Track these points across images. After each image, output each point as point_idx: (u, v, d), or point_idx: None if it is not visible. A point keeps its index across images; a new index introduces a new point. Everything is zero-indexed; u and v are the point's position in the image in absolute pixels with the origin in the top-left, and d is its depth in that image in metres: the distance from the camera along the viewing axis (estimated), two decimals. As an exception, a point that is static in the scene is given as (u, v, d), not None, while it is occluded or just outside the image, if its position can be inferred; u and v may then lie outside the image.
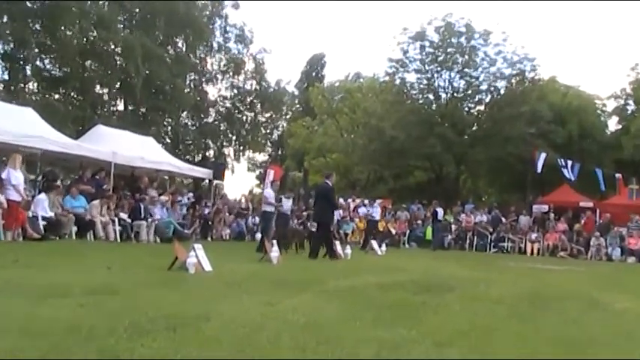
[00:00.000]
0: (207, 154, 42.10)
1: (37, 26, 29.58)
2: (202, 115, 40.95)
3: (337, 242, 13.96)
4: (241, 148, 44.02)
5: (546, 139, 30.36)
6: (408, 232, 24.62)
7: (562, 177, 25.37)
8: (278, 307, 5.04)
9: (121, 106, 35.22)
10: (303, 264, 10.60)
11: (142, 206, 16.29)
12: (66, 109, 29.76)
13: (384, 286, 7.11)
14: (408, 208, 27.04)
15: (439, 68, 32.56)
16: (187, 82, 38.39)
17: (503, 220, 24.13)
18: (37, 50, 29.35)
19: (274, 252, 10.40)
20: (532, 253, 21.81)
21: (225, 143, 43.07)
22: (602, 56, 71.02)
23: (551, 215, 23.44)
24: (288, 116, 52.99)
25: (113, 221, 15.08)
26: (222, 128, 42.38)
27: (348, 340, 3.83)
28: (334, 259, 12.22)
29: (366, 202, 26.74)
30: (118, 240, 14.86)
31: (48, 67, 31.49)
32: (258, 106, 43.40)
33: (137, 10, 33.96)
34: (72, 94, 32.48)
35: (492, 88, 32.81)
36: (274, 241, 11.30)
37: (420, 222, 25.33)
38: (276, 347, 3.60)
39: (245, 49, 40.83)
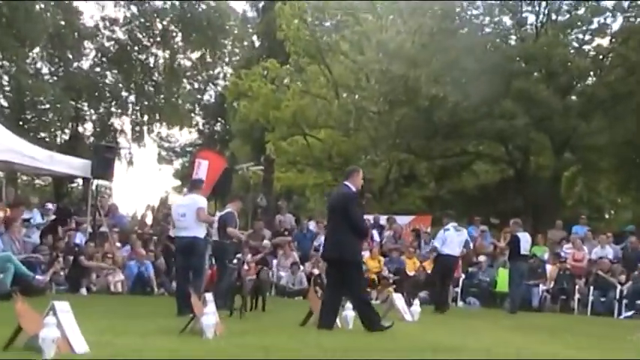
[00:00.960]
0: (79, 129, 42.02)
1: None
2: (71, 56, 40.88)
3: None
4: (146, 118, 44.02)
5: None
6: (462, 277, 24.66)
7: None
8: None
9: None
10: (263, 337, 10.58)
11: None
12: None
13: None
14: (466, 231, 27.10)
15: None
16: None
17: (647, 256, 24.27)
18: None
19: (209, 315, 10.38)
20: None
21: (114, 109, 43.01)
22: None
23: None
24: (234, 59, 52.97)
25: None
26: (109, 80, 42.32)
27: None
28: (378, 328, 12.27)
29: (383, 220, 26.69)
30: None
31: None
32: (178, 38, 43.39)
33: None
34: None
35: (628, 5, 33.05)
36: (209, 295, 11.29)
37: (484, 259, 25.37)
38: None
39: None
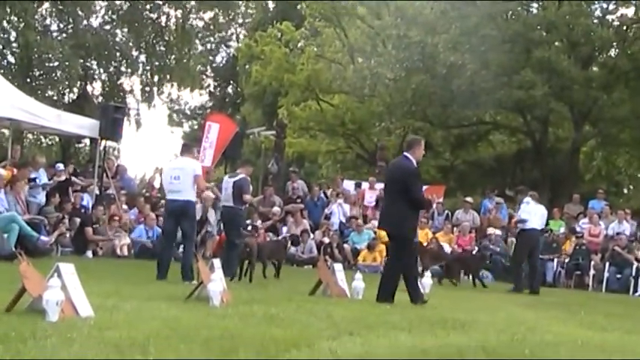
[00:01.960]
0: (87, 88, 42.01)
1: None
2: (81, 12, 40.78)
3: (337, 265, 13.98)
4: (156, 79, 44.00)
5: None
6: (476, 250, 24.60)
7: None
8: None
9: None
10: (273, 307, 10.55)
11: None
12: None
13: (426, 354, 7.05)
14: (479, 205, 27.04)
15: None
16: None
17: (665, 232, 24.28)
18: None
19: (216, 281, 10.36)
20: None
21: (124, 69, 42.97)
22: None
23: None
24: (248, 20, 52.82)
25: None
26: (119, 39, 42.25)
27: None
28: (420, 303, 12.55)
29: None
30: None
31: None
32: (191, -3, 43.23)
33: None
34: None
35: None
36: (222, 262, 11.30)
37: (499, 232, 25.33)
38: None
39: None
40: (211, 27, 47.29)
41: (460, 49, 32.21)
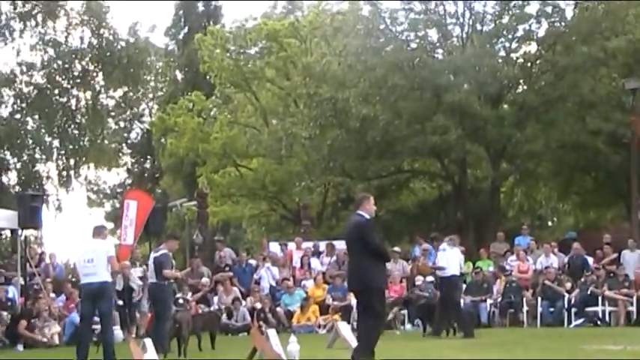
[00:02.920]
0: (3, 179, 41.44)
1: None
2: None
3: (270, 330, 13.96)
4: (72, 162, 43.55)
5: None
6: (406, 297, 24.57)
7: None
8: None
9: None
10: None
11: None
12: None
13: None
14: (408, 253, 27.20)
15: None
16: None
17: (591, 262, 24.58)
18: None
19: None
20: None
21: (38, 156, 42.51)
22: None
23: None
24: (159, 94, 52.77)
25: None
26: (30, 126, 41.85)
27: None
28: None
29: (323, 246, 26.75)
30: None
31: None
32: (99, 77, 43.03)
33: None
34: None
35: (552, 10, 33.49)
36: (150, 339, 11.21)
37: (427, 279, 25.34)
38: None
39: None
40: (122, 104, 46.95)
41: (371, 100, 32.43)
